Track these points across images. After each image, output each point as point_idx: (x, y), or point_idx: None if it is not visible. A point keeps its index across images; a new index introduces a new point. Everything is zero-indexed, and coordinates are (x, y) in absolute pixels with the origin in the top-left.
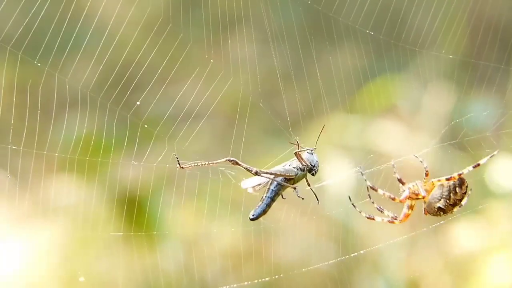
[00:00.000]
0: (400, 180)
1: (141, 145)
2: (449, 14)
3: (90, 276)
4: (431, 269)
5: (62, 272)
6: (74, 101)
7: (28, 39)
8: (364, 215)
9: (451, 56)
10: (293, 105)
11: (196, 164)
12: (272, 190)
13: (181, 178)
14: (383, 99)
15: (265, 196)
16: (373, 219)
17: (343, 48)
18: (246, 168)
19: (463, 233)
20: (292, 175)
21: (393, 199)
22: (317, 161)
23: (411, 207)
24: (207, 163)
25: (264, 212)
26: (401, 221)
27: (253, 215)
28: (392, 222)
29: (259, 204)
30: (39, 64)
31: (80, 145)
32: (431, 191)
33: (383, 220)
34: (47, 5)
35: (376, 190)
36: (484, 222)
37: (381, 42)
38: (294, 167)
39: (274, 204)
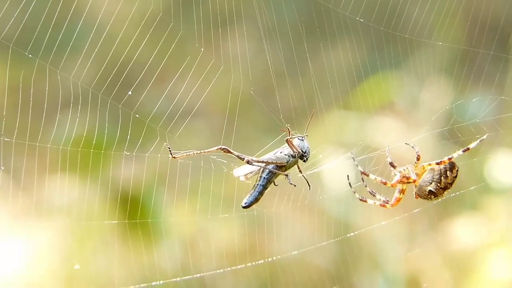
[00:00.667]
0: (391, 164)
1: (137, 139)
2: (445, 7)
3: (88, 275)
4: (430, 265)
5: (60, 270)
6: (70, 98)
7: (25, 36)
8: (357, 196)
9: (447, 44)
10: (287, 102)
11: (188, 154)
12: (264, 178)
13: (182, 175)
14: (380, 95)
15: (257, 184)
16: (365, 201)
17: (338, 44)
18: (237, 156)
19: (462, 229)
20: (284, 162)
21: (385, 183)
22: (308, 147)
23: (402, 191)
24: (198, 152)
25: (256, 200)
26: (392, 205)
27: (245, 203)
28: (384, 206)
29: (251, 192)
30: (40, 60)
31: (81, 142)
32: (421, 175)
33: (375, 203)
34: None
35: (367, 175)
36: (483, 218)
37: (377, 37)
38: (285, 154)
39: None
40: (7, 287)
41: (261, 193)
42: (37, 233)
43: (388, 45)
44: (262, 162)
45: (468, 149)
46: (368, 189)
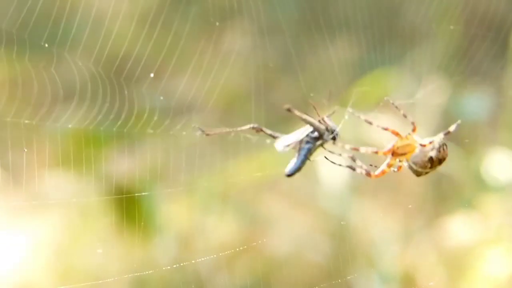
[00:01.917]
0: (405, 116)
1: (136, 134)
2: (444, 2)
3: (83, 269)
4: (426, 262)
5: (55, 264)
6: (66, 92)
7: (21, 32)
8: (344, 163)
9: (445, 41)
10: (286, 97)
11: (220, 132)
12: (306, 148)
13: (178, 170)
14: (377, 92)
15: (300, 154)
16: (354, 169)
17: (336, 41)
18: (270, 135)
19: (458, 226)
20: (322, 132)
21: (376, 152)
22: (336, 126)
23: (389, 165)
24: (232, 130)
25: (299, 168)
26: (376, 176)
27: (289, 171)
28: (368, 175)
29: (293, 161)
30: (48, 46)
31: (78, 136)
32: (411, 151)
33: (361, 172)
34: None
35: (371, 123)
36: (479, 215)
37: (375, 33)
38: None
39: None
40: (3, 281)
41: (303, 162)
42: (33, 228)
43: (386, 42)
44: (305, 120)
45: (449, 132)
46: (349, 154)
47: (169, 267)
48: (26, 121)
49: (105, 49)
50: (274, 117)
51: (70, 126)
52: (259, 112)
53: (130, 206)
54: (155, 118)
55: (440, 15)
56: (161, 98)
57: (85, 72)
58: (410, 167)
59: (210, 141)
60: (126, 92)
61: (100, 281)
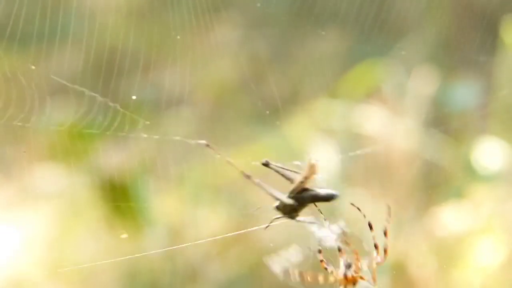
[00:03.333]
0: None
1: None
2: None
3: (74, 262)
4: (417, 252)
5: (48, 259)
6: (55, 89)
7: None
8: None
9: (435, 31)
10: (274, 89)
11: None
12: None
13: (170, 162)
14: (367, 83)
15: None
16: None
17: (326, 31)
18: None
19: (449, 216)
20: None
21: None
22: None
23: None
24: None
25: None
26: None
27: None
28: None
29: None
30: (36, 41)
31: (67, 130)
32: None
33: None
34: None
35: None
36: (469, 205)
37: (365, 24)
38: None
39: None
40: None
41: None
42: (24, 222)
43: (375, 32)
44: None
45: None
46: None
47: (159, 258)
48: (15, 117)
49: (94, 42)
50: (265, 108)
51: (59, 120)
52: (249, 103)
53: (121, 199)
54: (145, 111)
55: (429, 5)
56: (150, 92)
57: (74, 65)
58: None
59: (200, 132)
60: (115, 85)
61: (92, 264)
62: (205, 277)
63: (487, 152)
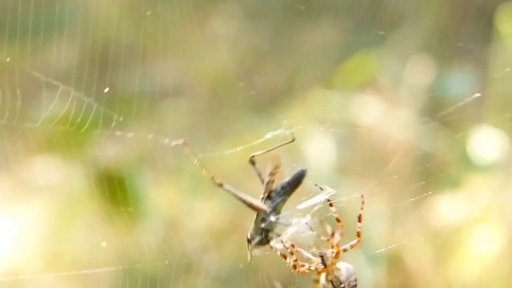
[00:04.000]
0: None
1: (121, 119)
2: None
3: (71, 255)
4: (413, 242)
5: (44, 251)
6: (50, 80)
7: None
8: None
9: (431, 21)
10: (270, 80)
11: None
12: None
13: (166, 156)
14: (363, 73)
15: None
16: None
17: (322, 23)
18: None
19: (445, 205)
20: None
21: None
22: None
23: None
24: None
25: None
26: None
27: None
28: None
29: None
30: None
31: (63, 122)
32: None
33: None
34: None
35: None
36: (466, 194)
37: (360, 15)
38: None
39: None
40: None
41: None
42: (20, 215)
43: (371, 23)
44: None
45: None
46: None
47: (155, 249)
48: (10, 111)
49: (91, 35)
50: (261, 100)
51: (55, 112)
52: (246, 95)
53: (118, 191)
54: (141, 102)
55: None
56: (147, 84)
57: (71, 58)
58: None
59: (196, 125)
60: (113, 78)
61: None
62: (201, 269)
63: (483, 142)
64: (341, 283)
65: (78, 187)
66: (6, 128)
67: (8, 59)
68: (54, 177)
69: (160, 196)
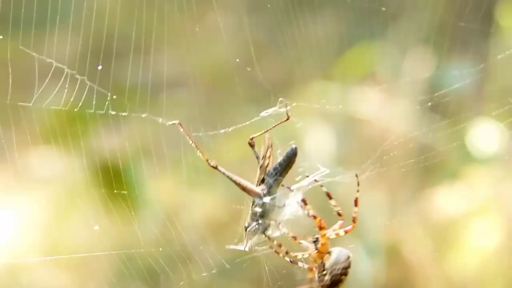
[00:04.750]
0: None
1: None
2: None
3: (69, 245)
4: (411, 234)
5: (42, 240)
6: (49, 73)
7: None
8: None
9: (429, 14)
10: (270, 72)
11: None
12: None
13: (167, 147)
14: (363, 65)
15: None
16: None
17: (322, 15)
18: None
19: (443, 198)
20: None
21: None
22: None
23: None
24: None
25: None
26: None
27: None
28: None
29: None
30: (35, 26)
31: (63, 113)
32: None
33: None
34: None
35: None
36: (464, 187)
37: (360, 7)
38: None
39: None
40: None
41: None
42: (20, 206)
43: (370, 15)
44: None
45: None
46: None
47: (154, 241)
48: (11, 102)
49: (92, 27)
50: (260, 93)
51: (55, 105)
52: (245, 87)
53: (116, 182)
54: (142, 94)
55: None
56: (149, 75)
57: (72, 50)
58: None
59: (195, 117)
60: (113, 69)
61: (87, 254)
62: (200, 260)
63: (482, 134)
64: (324, 270)
65: (76, 178)
66: (5, 118)
67: (1, 37)
68: (53, 168)
69: (158, 188)
